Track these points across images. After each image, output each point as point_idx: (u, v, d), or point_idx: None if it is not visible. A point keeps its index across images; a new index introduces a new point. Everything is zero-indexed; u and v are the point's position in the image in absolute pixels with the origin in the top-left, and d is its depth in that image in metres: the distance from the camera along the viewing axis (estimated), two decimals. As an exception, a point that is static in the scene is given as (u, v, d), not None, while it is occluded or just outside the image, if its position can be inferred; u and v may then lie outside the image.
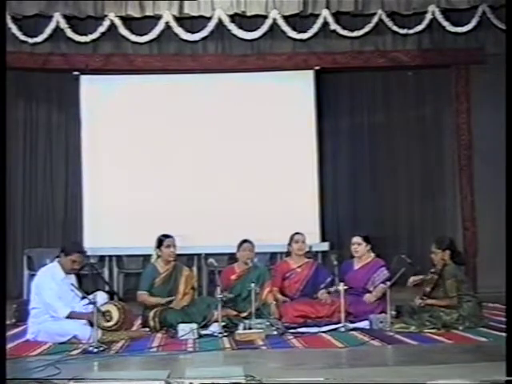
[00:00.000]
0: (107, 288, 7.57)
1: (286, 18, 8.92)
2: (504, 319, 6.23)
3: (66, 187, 10.05)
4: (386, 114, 10.37)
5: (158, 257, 6.84)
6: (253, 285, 6.38)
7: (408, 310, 6.47)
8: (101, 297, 6.14)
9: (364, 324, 6.45)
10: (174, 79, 9.68)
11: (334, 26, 8.94)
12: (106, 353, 5.43)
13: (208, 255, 8.42)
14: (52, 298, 5.92)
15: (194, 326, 6.07)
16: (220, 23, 8.90)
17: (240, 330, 6.11)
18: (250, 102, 9.63)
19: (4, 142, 7.16)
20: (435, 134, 10.16)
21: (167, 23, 8.84)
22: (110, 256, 9.47)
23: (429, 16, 8.92)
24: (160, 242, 6.79)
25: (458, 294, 6.33)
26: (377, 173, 10.33)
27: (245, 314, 6.55)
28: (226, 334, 6.04)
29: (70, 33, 8.83)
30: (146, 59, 9.39)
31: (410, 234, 10.24)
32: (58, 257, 6.21)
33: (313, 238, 8.83)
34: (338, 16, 8.97)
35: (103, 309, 5.90)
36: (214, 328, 6.23)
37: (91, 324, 5.70)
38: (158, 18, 8.85)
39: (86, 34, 8.93)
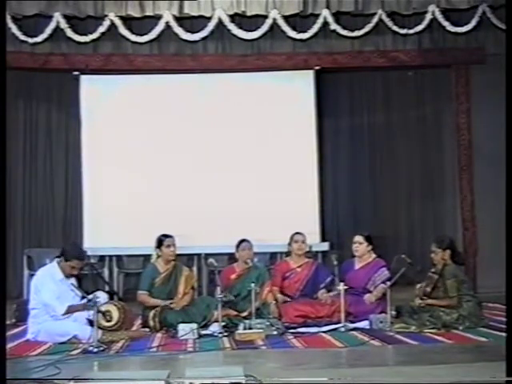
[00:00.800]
0: (107, 288, 7.57)
1: (286, 18, 8.92)
2: (504, 319, 6.23)
3: (66, 187, 10.04)
4: (386, 114, 10.37)
5: (158, 257, 6.84)
6: (253, 285, 6.38)
7: (408, 310, 6.47)
8: (101, 297, 6.14)
9: (364, 324, 6.45)
10: (174, 79, 9.68)
11: (334, 25, 8.93)
12: (106, 353, 5.43)
13: (208, 255, 8.43)
14: (50, 298, 5.92)
15: (194, 325, 6.07)
16: (220, 23, 8.90)
17: (240, 330, 6.11)
18: (249, 101, 9.62)
19: (4, 142, 7.15)
20: (435, 134, 10.16)
21: (167, 23, 8.84)
22: (110, 256, 9.47)
23: (429, 16, 8.92)
24: (160, 242, 6.79)
25: (458, 294, 6.34)
26: (377, 173, 10.33)
27: (245, 314, 6.55)
28: (226, 334, 6.04)
29: (70, 33, 8.83)
30: (146, 59, 9.39)
31: (409, 234, 10.24)
32: (57, 257, 6.20)
33: (313, 238, 8.83)
34: (338, 16, 8.97)
35: (103, 309, 5.90)
36: (214, 328, 6.24)
37: (91, 324, 5.70)
38: (158, 17, 8.85)
39: (86, 34, 8.92)
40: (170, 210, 9.31)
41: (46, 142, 10.03)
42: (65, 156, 10.06)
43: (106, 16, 8.75)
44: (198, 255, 9.30)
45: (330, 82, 10.09)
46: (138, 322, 6.75)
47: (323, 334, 6.12)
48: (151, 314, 6.51)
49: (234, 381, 4.14)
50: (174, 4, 8.75)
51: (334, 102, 10.25)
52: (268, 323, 6.20)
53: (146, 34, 8.97)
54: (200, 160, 9.52)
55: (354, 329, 6.28)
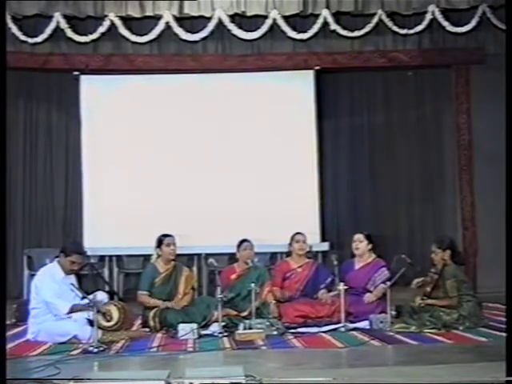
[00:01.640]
0: (107, 288, 7.57)
1: (286, 18, 8.92)
2: (504, 319, 6.23)
3: (66, 187, 10.04)
4: (386, 114, 10.36)
5: (158, 256, 6.85)
6: (253, 285, 6.39)
7: (408, 310, 6.47)
8: (101, 297, 6.15)
9: (364, 324, 6.46)
10: (174, 79, 9.68)
11: (334, 26, 8.93)
12: (106, 353, 5.43)
13: (208, 255, 8.43)
14: (52, 297, 5.93)
15: (194, 325, 6.08)
16: (220, 23, 8.90)
17: (240, 330, 6.11)
18: (249, 101, 9.62)
19: (4, 142, 7.15)
20: (435, 134, 10.15)
21: (167, 23, 8.84)
22: (110, 256, 9.47)
23: (429, 16, 8.92)
24: (160, 242, 6.80)
25: (458, 294, 6.34)
26: (377, 173, 10.33)
27: (245, 314, 6.56)
28: (226, 334, 6.04)
29: (70, 33, 8.83)
30: (146, 59, 9.39)
31: (409, 233, 10.24)
32: (57, 257, 6.21)
33: (313, 238, 8.82)
34: (338, 16, 8.97)
35: (103, 309, 5.90)
36: (214, 328, 6.24)
37: (91, 324, 5.70)
38: (158, 18, 8.85)
39: (86, 34, 8.92)
40: (170, 210, 9.31)
41: (45, 142, 10.03)
42: (65, 156, 10.06)
43: (106, 16, 8.75)
44: (198, 255, 9.30)
45: (329, 82, 10.09)
46: (138, 321, 6.75)
47: (323, 334, 6.12)
48: (151, 314, 6.52)
49: (234, 381, 4.14)
50: (174, 4, 8.75)
51: (334, 102, 10.25)
52: (268, 323, 6.21)
53: (146, 34, 8.97)
54: (200, 160, 9.51)
55: (354, 329, 6.28)
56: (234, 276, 7.03)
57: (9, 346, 5.52)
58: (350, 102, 10.45)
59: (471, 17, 8.99)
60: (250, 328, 6.14)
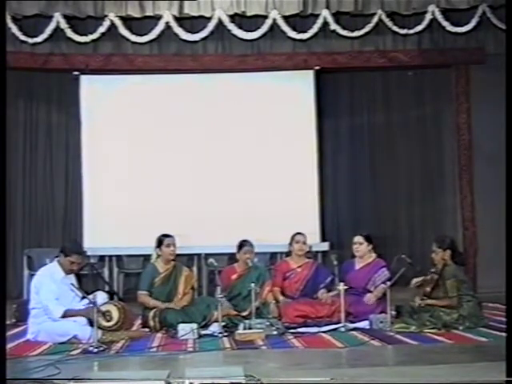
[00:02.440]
0: (107, 288, 7.57)
1: (286, 18, 8.91)
2: (504, 319, 6.23)
3: (65, 187, 10.04)
4: (386, 114, 10.36)
5: (158, 256, 6.85)
6: (253, 285, 6.38)
7: (408, 310, 6.47)
8: (101, 297, 6.15)
9: (364, 324, 6.45)
10: (174, 79, 9.68)
11: (334, 26, 8.93)
12: (106, 353, 5.43)
13: (208, 255, 8.44)
14: (48, 300, 5.91)
15: (194, 325, 6.07)
16: (220, 23, 8.90)
17: (240, 330, 6.11)
18: (249, 101, 9.62)
19: (4, 142, 7.16)
20: (435, 134, 10.15)
21: (167, 23, 8.84)
22: (110, 256, 9.47)
23: (429, 16, 8.92)
24: (160, 242, 6.79)
25: (458, 294, 6.34)
26: (377, 173, 10.33)
27: (245, 314, 6.55)
28: (226, 333, 6.04)
29: (70, 33, 8.82)
30: (146, 59, 9.39)
31: (410, 233, 10.24)
32: (57, 257, 6.21)
33: (313, 238, 8.82)
34: (338, 16, 8.97)
35: (103, 309, 5.90)
36: (214, 328, 6.24)
37: (91, 324, 5.70)
38: (158, 18, 8.85)
39: (86, 34, 8.92)
40: (170, 210, 9.31)
41: (45, 142, 10.03)
42: (65, 156, 10.06)
43: (106, 16, 8.75)
44: (198, 255, 9.30)
45: (329, 82, 10.09)
46: (138, 321, 6.75)
47: (323, 334, 6.12)
48: (151, 314, 6.52)
49: (234, 381, 4.14)
50: (174, 4, 8.75)
51: (334, 102, 10.25)
52: (268, 323, 6.20)
53: (146, 34, 8.97)
54: (200, 160, 9.51)
55: (354, 329, 6.28)
56: (234, 276, 7.03)
57: (9, 345, 5.52)
58: (350, 101, 10.45)
59: (471, 17, 8.99)
60: (250, 328, 6.14)
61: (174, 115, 9.58)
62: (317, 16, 8.89)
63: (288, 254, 7.52)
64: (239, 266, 7.11)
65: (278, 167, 9.53)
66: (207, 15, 8.84)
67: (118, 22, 8.78)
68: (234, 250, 7.17)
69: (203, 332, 6.14)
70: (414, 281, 6.61)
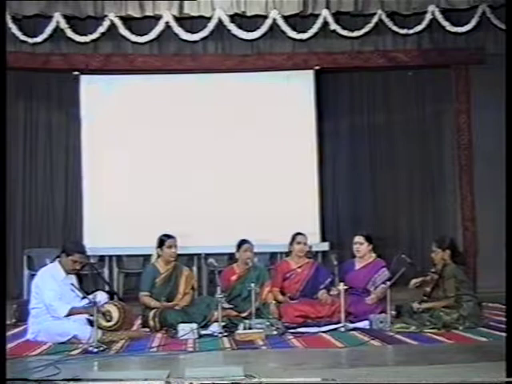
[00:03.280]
0: (107, 288, 7.57)
1: (286, 18, 8.91)
2: (504, 319, 6.22)
3: (66, 187, 10.04)
4: (386, 114, 10.36)
5: (159, 256, 6.84)
6: (253, 285, 6.39)
7: (408, 310, 6.47)
8: (101, 297, 6.15)
9: (364, 324, 6.46)
10: (174, 79, 9.68)
11: (333, 25, 8.93)
12: (106, 353, 5.43)
13: (208, 255, 8.43)
14: (52, 299, 5.92)
15: (194, 325, 6.08)
16: (220, 23, 8.90)
17: (240, 330, 6.11)
18: (249, 102, 9.61)
19: (4, 142, 7.14)
20: (435, 134, 10.15)
21: (167, 23, 8.83)
22: (110, 256, 9.46)
23: (429, 16, 8.91)
24: (162, 242, 6.79)
25: (458, 294, 6.34)
26: (377, 173, 10.33)
27: (245, 314, 6.55)
28: (226, 333, 6.04)
29: (70, 33, 8.82)
30: (146, 59, 9.39)
31: (410, 233, 10.24)
32: (58, 257, 6.21)
33: (313, 238, 8.80)
34: (337, 16, 8.96)
35: (103, 309, 5.90)
36: (214, 328, 6.24)
37: (91, 324, 5.70)
38: (157, 18, 8.84)
39: (85, 34, 8.91)
40: (170, 210, 9.30)
41: (46, 142, 10.03)
42: (65, 156, 10.06)
43: (106, 16, 8.74)
44: (198, 255, 9.30)
45: (329, 82, 10.10)
46: (138, 321, 6.75)
47: (323, 334, 6.12)
48: (151, 314, 6.52)
49: (233, 381, 4.14)
50: (173, 4, 8.74)
51: (333, 102, 10.25)
52: (268, 323, 6.21)
53: (145, 34, 8.96)
54: (200, 160, 9.51)
55: (354, 329, 6.28)
56: (234, 277, 7.03)
57: (9, 346, 5.51)
58: (350, 102, 10.45)
59: (471, 17, 8.99)
60: (250, 328, 6.14)
61: (173, 115, 9.58)
62: (317, 16, 8.89)
63: (288, 254, 7.51)
64: (238, 266, 7.11)
65: (277, 167, 9.52)
66: (207, 15, 8.83)
67: (117, 22, 8.77)
68: (234, 250, 7.17)
69: (203, 332, 6.14)
70: (413, 281, 6.62)
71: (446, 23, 8.97)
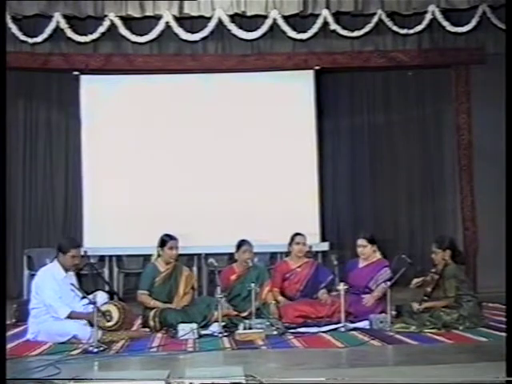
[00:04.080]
0: (107, 288, 7.57)
1: (286, 18, 8.91)
2: (504, 319, 6.23)
3: (66, 187, 10.04)
4: (386, 114, 10.36)
5: (159, 256, 6.84)
6: (253, 285, 6.39)
7: (408, 309, 6.47)
8: (101, 297, 6.15)
9: (364, 324, 6.46)
10: (174, 79, 9.68)
11: (333, 25, 8.93)
12: (106, 353, 5.43)
13: (208, 255, 8.44)
14: (52, 299, 5.92)
15: (194, 325, 6.08)
16: (220, 23, 8.89)
17: (240, 330, 6.11)
18: (249, 101, 9.61)
19: (4, 142, 7.16)
20: (435, 134, 10.16)
21: (167, 23, 8.83)
22: (110, 256, 9.47)
23: (429, 16, 8.91)
24: (163, 243, 6.79)
25: (458, 294, 6.34)
26: (377, 173, 10.32)
27: (245, 314, 6.55)
28: (226, 333, 6.04)
29: (70, 33, 8.81)
30: (146, 59, 9.39)
31: (410, 233, 10.23)
32: (56, 257, 6.20)
33: (313, 238, 8.82)
34: (338, 16, 8.96)
35: (103, 309, 5.90)
36: (214, 328, 6.24)
37: (91, 324, 5.70)
38: (158, 18, 8.84)
39: (85, 34, 8.91)
40: (170, 210, 9.30)
41: (45, 142, 10.03)
42: (65, 156, 10.06)
43: (106, 16, 8.73)
44: (198, 255, 9.30)
45: (330, 82, 10.10)
46: (138, 322, 6.75)
47: (323, 334, 6.12)
48: (151, 314, 6.52)
49: (234, 381, 4.14)
50: (173, 4, 8.74)
51: (333, 102, 10.25)
52: (268, 323, 6.21)
53: (146, 34, 8.96)
54: (200, 159, 9.51)
55: (354, 329, 6.28)
56: (233, 277, 7.03)
57: (9, 346, 5.52)
58: (349, 102, 10.45)
59: (471, 17, 8.98)
60: (250, 328, 6.14)
61: (173, 115, 9.58)
62: (317, 16, 8.89)
63: (288, 254, 7.51)
64: (238, 266, 7.11)
65: (277, 167, 9.52)
66: (207, 15, 8.83)
67: (118, 22, 8.77)
68: (234, 250, 7.17)
69: (203, 332, 6.14)
70: (415, 281, 6.62)
71: (446, 23, 8.97)
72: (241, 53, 9.42)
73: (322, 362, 5.03)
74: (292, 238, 7.30)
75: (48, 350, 5.63)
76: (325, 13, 8.84)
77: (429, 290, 6.47)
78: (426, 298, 6.41)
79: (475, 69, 9.58)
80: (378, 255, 7.16)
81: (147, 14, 8.77)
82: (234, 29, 8.95)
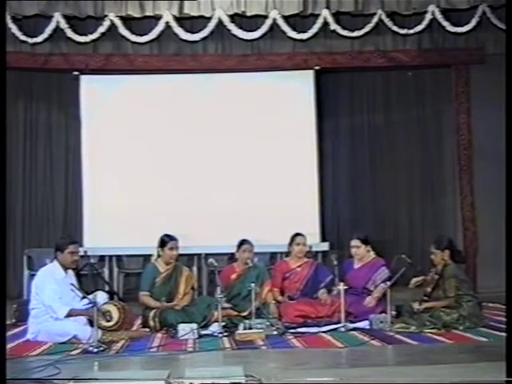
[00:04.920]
0: (107, 288, 7.57)
1: (286, 18, 8.90)
2: (504, 319, 6.23)
3: (66, 187, 10.04)
4: (386, 114, 10.36)
5: (159, 256, 6.84)
6: (253, 284, 6.39)
7: (408, 309, 6.47)
8: (101, 297, 6.15)
9: (364, 324, 6.46)
10: (174, 79, 9.68)
11: (334, 26, 8.92)
12: (106, 353, 5.44)
13: (208, 255, 8.45)
14: (51, 299, 5.92)
15: (194, 325, 6.08)
16: (220, 23, 8.89)
17: (240, 330, 6.11)
18: (250, 102, 9.61)
19: (4, 142, 7.16)
20: (435, 134, 10.16)
21: (167, 23, 8.83)
22: (110, 256, 9.47)
23: (429, 16, 8.90)
24: (163, 243, 6.79)
25: (458, 294, 6.34)
26: (377, 173, 10.33)
27: (245, 314, 6.55)
28: (226, 333, 6.04)
29: (70, 33, 8.81)
30: (146, 59, 9.39)
31: (410, 233, 10.23)
32: (55, 257, 6.20)
33: (313, 238, 8.82)
34: (338, 16, 8.96)
35: (103, 309, 5.90)
36: (214, 328, 6.24)
37: (91, 324, 5.70)
38: (158, 18, 8.84)
39: (85, 34, 8.91)
40: (170, 210, 9.30)
41: (45, 142, 10.03)
42: (65, 156, 10.06)
43: (106, 16, 8.73)
44: (198, 255, 9.30)
45: (330, 82, 10.10)
46: (138, 322, 6.76)
47: (323, 334, 6.12)
48: (151, 314, 6.52)
49: (234, 381, 4.14)
50: (173, 4, 8.74)
51: (333, 102, 10.25)
52: (268, 323, 6.21)
53: (146, 34, 8.96)
54: (200, 160, 9.51)
55: (354, 329, 6.29)
56: (234, 276, 7.04)
57: (9, 346, 5.53)
58: (350, 101, 10.45)
59: (471, 17, 8.98)
60: (250, 328, 6.14)
61: (173, 115, 9.58)
62: (317, 16, 8.88)
63: (288, 254, 7.51)
64: (238, 265, 7.11)
65: (278, 167, 9.52)
66: (207, 15, 8.83)
67: (118, 22, 8.77)
68: (234, 250, 7.18)
69: (203, 332, 6.14)
70: (414, 280, 6.62)
71: (446, 23, 8.96)
72: (241, 53, 9.43)
73: (322, 361, 5.04)
74: (292, 239, 7.30)
75: (48, 349, 5.63)
76: (325, 13, 8.83)
77: (429, 290, 6.47)
78: (425, 298, 6.41)
79: (475, 69, 9.58)
80: (373, 255, 7.16)
81: (147, 14, 8.76)
82: (234, 29, 8.94)
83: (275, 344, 5.71)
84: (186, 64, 9.45)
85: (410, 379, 4.31)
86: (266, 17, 8.87)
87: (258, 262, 7.42)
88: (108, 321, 5.92)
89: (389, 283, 6.40)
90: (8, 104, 7.95)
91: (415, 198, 10.28)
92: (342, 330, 6.20)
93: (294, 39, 9.15)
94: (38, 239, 9.86)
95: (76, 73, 9.42)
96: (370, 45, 9.37)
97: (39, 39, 8.83)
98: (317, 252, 9.26)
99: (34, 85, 9.98)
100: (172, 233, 6.91)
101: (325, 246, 9.47)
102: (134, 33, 8.95)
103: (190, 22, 9.11)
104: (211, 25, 8.87)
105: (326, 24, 8.93)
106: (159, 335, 6.25)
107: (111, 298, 6.61)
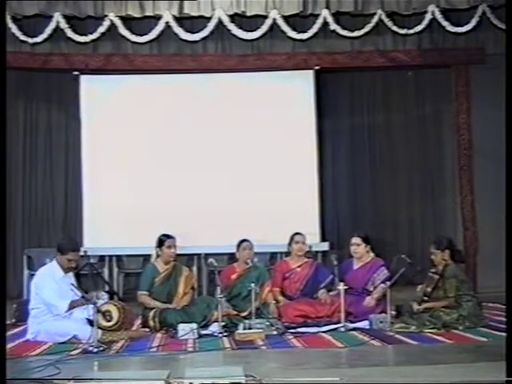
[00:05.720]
0: (107, 288, 7.58)
1: (286, 18, 8.91)
2: (504, 319, 6.23)
3: (65, 187, 10.04)
4: (386, 114, 10.36)
5: (158, 256, 6.84)
6: (253, 284, 6.38)
7: (408, 309, 6.46)
8: (101, 297, 6.15)
9: (364, 324, 6.45)
10: (174, 79, 9.68)
11: (333, 26, 8.93)
12: (106, 353, 5.43)
13: (208, 255, 8.45)
14: (52, 297, 5.92)
15: (194, 325, 6.07)
16: (220, 23, 8.90)
17: (240, 330, 6.10)
18: (249, 101, 9.62)
19: (4, 142, 7.16)
20: (435, 134, 10.16)
21: (167, 23, 8.84)
22: (110, 256, 9.47)
23: (429, 16, 8.91)
24: (161, 242, 6.79)
25: (458, 294, 6.34)
26: (377, 173, 10.33)
27: (245, 314, 6.55)
28: (226, 333, 6.04)
29: (70, 33, 8.82)
30: (146, 59, 9.40)
31: (410, 233, 10.23)
32: (55, 257, 6.20)
33: (313, 238, 8.82)
34: (337, 16, 8.97)
35: (103, 309, 5.90)
36: (214, 328, 6.24)
37: (91, 324, 5.70)
38: (157, 18, 8.85)
39: (85, 34, 8.92)
40: (170, 210, 9.31)
41: (45, 142, 10.03)
42: (65, 156, 10.06)
43: (106, 16, 8.75)
44: (198, 255, 9.31)
45: (330, 82, 10.10)
46: (138, 322, 6.75)
47: (323, 334, 6.12)
48: (151, 314, 6.52)
49: (234, 381, 4.14)
50: (173, 4, 8.75)
51: (333, 101, 10.25)
52: (268, 323, 6.20)
53: (145, 34, 8.97)
54: (200, 160, 9.51)
55: (354, 329, 6.28)
56: (234, 276, 7.04)
57: (9, 346, 5.52)
58: (350, 101, 10.45)
59: (471, 17, 8.99)
60: (250, 328, 6.14)
61: (173, 115, 9.58)
62: (317, 16, 8.89)
63: (288, 254, 7.51)
64: (239, 265, 7.11)
65: (277, 167, 9.53)
66: (207, 15, 8.84)
67: (118, 22, 8.78)
68: (234, 250, 7.18)
69: (203, 332, 6.14)
70: (419, 288, 6.58)
71: (445, 23, 8.97)
72: (241, 53, 9.43)
73: (322, 361, 5.03)
74: (291, 238, 7.30)
75: (48, 349, 5.63)
76: (325, 13, 8.84)
77: (429, 290, 6.46)
78: (425, 298, 6.41)
79: (475, 69, 9.58)
80: (372, 255, 7.15)
81: (147, 13, 8.77)
82: (233, 29, 8.95)
83: (275, 344, 5.70)
84: (185, 64, 9.46)
85: (410, 379, 4.31)
86: (265, 17, 8.88)
87: (258, 263, 7.42)
88: (108, 321, 5.92)
89: (389, 283, 6.39)
90: (8, 104, 7.95)
91: (415, 197, 10.28)
92: (342, 329, 6.20)
93: (294, 39, 9.16)
94: (37, 239, 9.86)
95: (76, 73, 9.43)
96: (370, 45, 9.38)
97: (39, 39, 8.84)
98: (317, 252, 9.26)
99: (34, 85, 9.98)
100: (172, 233, 6.91)
101: (325, 246, 9.47)
102: (133, 33, 8.96)
103: (189, 22, 9.12)
104: (211, 25, 8.88)
105: (325, 24, 8.94)
106: (159, 335, 6.24)
107: (111, 298, 6.61)
